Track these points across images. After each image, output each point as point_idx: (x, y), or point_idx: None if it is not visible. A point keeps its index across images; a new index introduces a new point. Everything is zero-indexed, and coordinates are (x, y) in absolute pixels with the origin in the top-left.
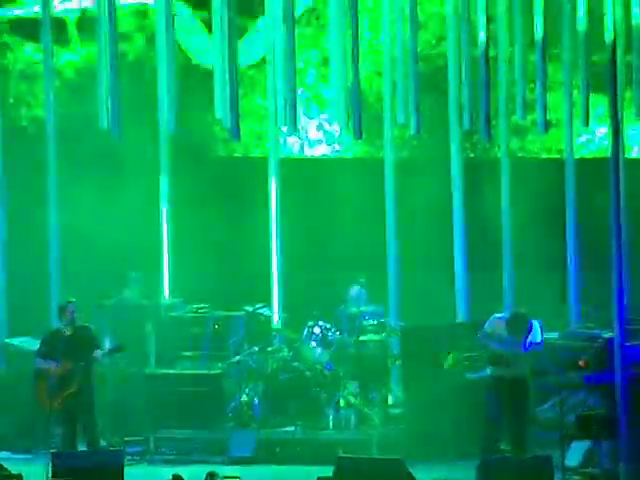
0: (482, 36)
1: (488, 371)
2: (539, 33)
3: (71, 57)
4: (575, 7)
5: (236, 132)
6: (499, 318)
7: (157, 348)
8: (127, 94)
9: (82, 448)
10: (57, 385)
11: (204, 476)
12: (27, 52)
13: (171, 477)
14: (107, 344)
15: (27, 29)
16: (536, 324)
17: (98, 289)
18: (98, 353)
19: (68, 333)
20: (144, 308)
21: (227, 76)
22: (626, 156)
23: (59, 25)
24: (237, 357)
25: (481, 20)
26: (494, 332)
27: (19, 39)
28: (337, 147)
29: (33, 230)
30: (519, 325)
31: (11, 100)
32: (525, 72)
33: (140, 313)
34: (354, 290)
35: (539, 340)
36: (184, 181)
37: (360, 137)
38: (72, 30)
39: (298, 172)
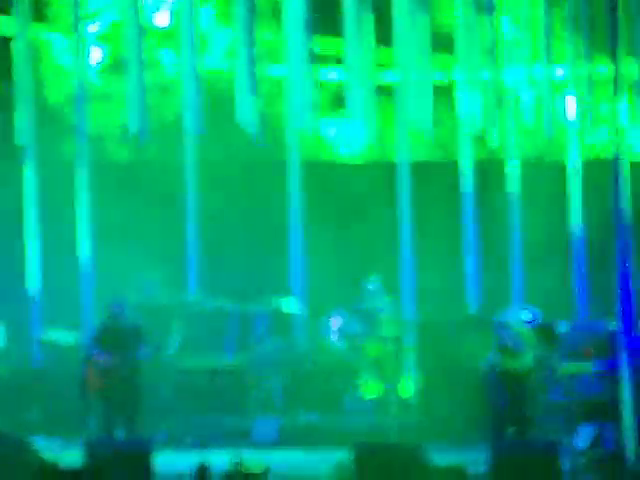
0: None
1: (494, 359)
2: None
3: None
4: None
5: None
6: (524, 321)
7: (184, 340)
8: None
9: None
10: (100, 375)
11: (229, 461)
12: None
13: (197, 467)
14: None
15: None
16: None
17: (129, 286)
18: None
19: (120, 327)
20: (168, 306)
21: (248, 83)
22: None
23: None
24: (259, 349)
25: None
26: (509, 324)
27: None
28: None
29: (65, 227)
30: (548, 337)
31: None
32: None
33: (165, 311)
34: (371, 285)
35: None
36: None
37: (374, 141)
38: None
39: (322, 173)
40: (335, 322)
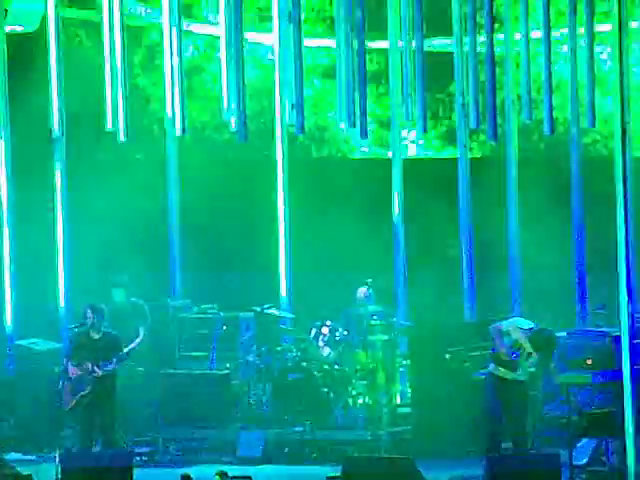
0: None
1: (490, 368)
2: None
3: None
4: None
5: (243, 135)
6: (522, 328)
7: (166, 348)
8: None
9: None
10: (75, 387)
11: (213, 476)
12: None
13: (180, 477)
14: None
15: None
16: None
17: (105, 291)
18: (98, 369)
19: (96, 337)
20: (139, 309)
21: (234, 77)
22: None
23: None
24: (246, 357)
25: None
26: (507, 332)
27: None
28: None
29: (42, 231)
30: (547, 348)
31: None
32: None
33: (133, 315)
34: (361, 292)
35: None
36: (194, 182)
37: (366, 137)
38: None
39: (311, 170)
40: (325, 329)
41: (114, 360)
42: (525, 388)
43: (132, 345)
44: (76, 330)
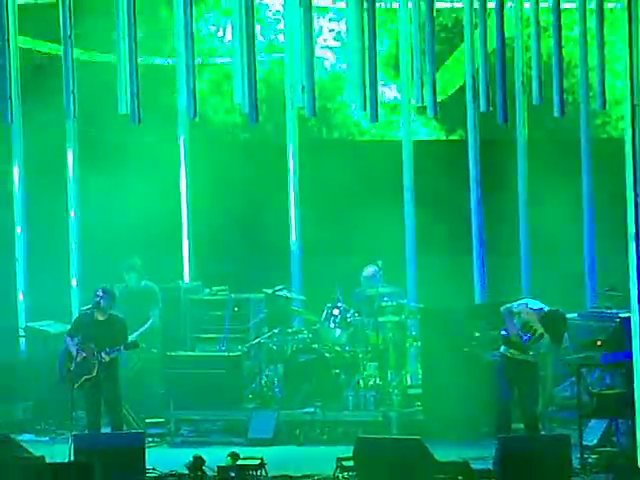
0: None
1: (501, 349)
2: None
3: None
4: None
5: (254, 117)
6: (533, 309)
7: (177, 331)
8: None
9: (106, 429)
10: (79, 368)
11: (225, 457)
12: None
13: (192, 458)
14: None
15: None
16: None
17: (117, 274)
18: (104, 354)
19: (101, 318)
20: (151, 292)
21: (245, 61)
22: None
23: None
24: (257, 339)
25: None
26: (519, 312)
27: None
28: None
29: (53, 214)
30: (557, 325)
31: None
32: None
33: (146, 297)
34: (368, 271)
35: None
36: (205, 166)
37: (376, 121)
38: None
39: (324, 152)
40: (336, 310)
41: (121, 347)
42: (536, 369)
43: (141, 330)
44: (83, 310)
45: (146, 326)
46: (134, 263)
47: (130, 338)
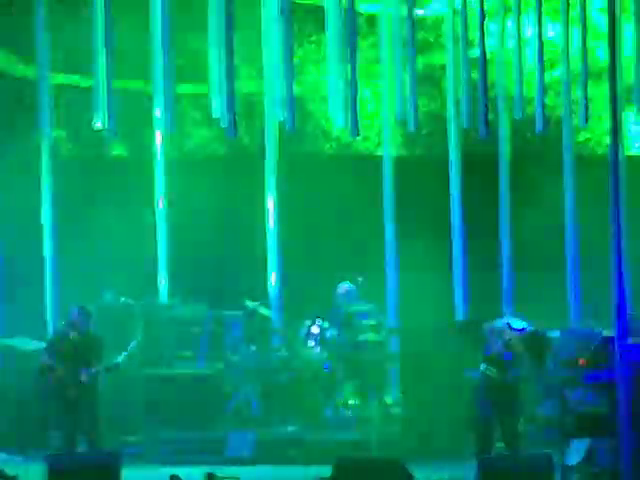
0: (479, 32)
1: (481, 367)
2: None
3: None
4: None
5: (233, 131)
6: (515, 329)
7: (154, 348)
8: None
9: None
10: (55, 387)
11: (202, 476)
12: None
13: (169, 478)
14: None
15: None
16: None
17: (94, 291)
18: (84, 375)
19: (77, 337)
20: (130, 309)
21: (224, 74)
22: (627, 153)
23: None
24: (235, 357)
25: (478, 16)
26: (505, 337)
27: None
28: None
29: (28, 230)
30: (539, 346)
31: None
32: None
33: (126, 314)
34: (342, 288)
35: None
36: (179, 180)
37: (357, 135)
38: None
39: (301, 166)
40: (315, 328)
41: (102, 369)
42: (517, 388)
43: (129, 349)
44: (59, 328)
45: (132, 346)
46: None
47: (118, 359)
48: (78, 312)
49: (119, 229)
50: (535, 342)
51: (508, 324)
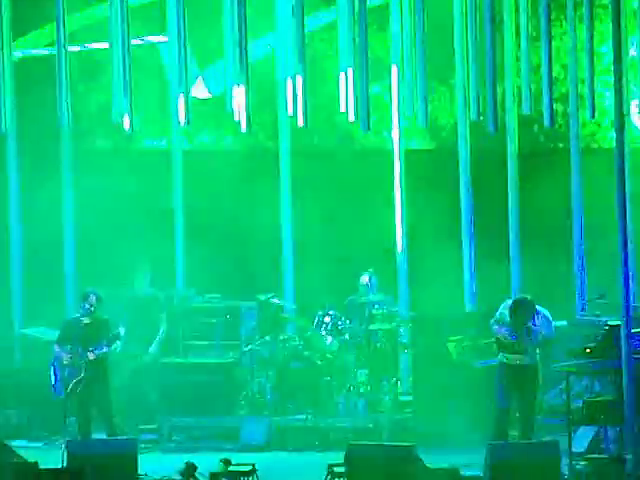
0: (488, 25)
1: (499, 357)
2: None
3: None
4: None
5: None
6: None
7: (170, 337)
8: None
9: (100, 435)
10: (69, 373)
11: (217, 463)
12: None
13: (184, 464)
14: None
15: None
16: (546, 312)
17: (112, 280)
18: (91, 353)
19: (86, 322)
20: (157, 299)
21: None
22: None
23: None
24: (249, 346)
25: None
26: (502, 318)
27: None
28: None
29: (48, 220)
30: (520, 311)
31: None
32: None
33: (153, 304)
34: (365, 278)
35: (547, 330)
36: (198, 174)
37: (368, 129)
38: None
39: (313, 162)
40: (327, 318)
41: (105, 342)
42: (532, 374)
43: (158, 338)
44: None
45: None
46: (146, 268)
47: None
48: (92, 298)
49: (135, 218)
50: (517, 304)
51: (505, 306)
